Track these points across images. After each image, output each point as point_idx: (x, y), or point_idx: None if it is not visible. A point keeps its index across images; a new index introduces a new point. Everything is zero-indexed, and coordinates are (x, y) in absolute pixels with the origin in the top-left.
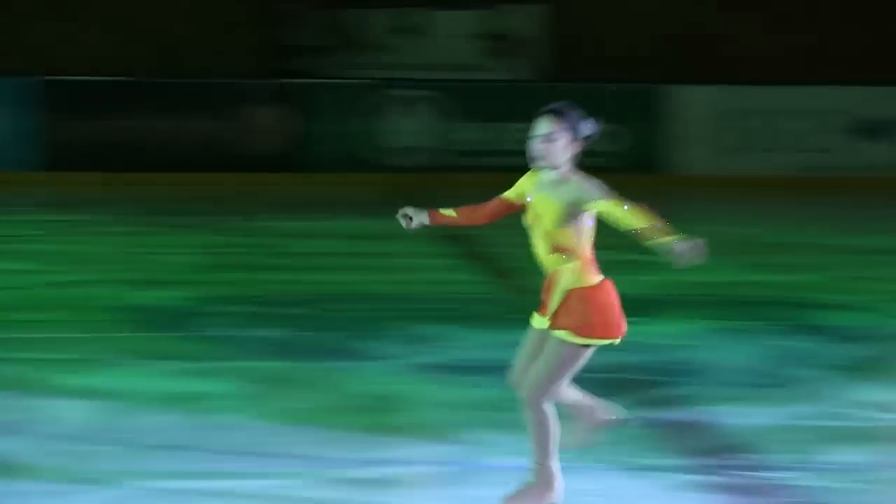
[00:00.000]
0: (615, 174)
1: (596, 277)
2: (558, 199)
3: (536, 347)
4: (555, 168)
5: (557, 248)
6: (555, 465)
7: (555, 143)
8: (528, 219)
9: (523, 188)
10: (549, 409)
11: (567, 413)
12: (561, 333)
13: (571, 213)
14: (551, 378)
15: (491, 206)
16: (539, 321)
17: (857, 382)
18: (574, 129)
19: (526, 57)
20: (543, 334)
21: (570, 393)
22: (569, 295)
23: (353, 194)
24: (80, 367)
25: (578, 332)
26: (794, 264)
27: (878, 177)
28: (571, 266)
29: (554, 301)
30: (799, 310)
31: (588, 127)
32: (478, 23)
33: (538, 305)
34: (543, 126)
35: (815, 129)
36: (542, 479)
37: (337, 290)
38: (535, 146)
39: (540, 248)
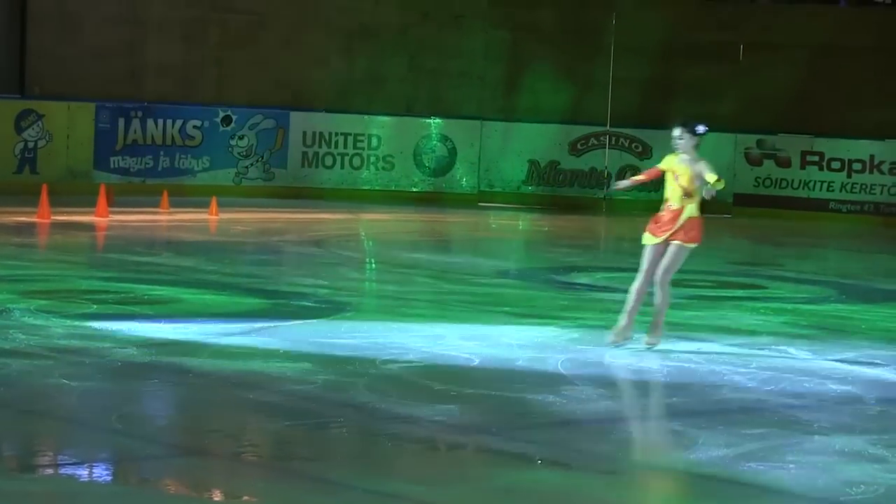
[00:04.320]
0: None
1: (698, 213)
2: (691, 169)
3: (657, 255)
4: (684, 152)
5: (687, 195)
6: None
7: (683, 140)
8: (671, 179)
9: (669, 163)
10: (670, 291)
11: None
12: (678, 242)
13: (696, 177)
14: (672, 268)
15: (655, 170)
16: (652, 239)
17: None
18: (693, 132)
19: None
20: (659, 247)
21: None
22: (688, 220)
23: None
24: None
25: (689, 240)
26: None
27: None
28: (692, 205)
29: (679, 223)
30: None
31: (701, 129)
32: None
33: (653, 231)
34: (676, 131)
35: None
36: (660, 324)
37: None
38: (674, 142)
39: (675, 195)
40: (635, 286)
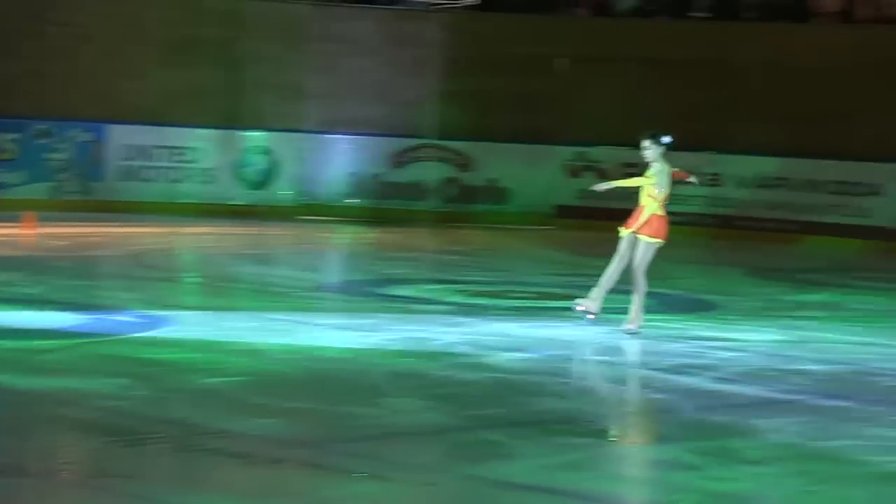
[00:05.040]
0: None
1: (661, 212)
2: (658, 174)
3: (629, 245)
4: (653, 161)
5: (648, 195)
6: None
7: (650, 150)
8: (643, 182)
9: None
10: (645, 281)
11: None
12: (647, 237)
13: (657, 182)
14: (642, 262)
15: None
16: (624, 232)
17: None
18: (658, 142)
19: None
20: (631, 238)
21: (613, 278)
22: (650, 217)
23: None
24: None
25: (654, 236)
26: None
27: None
28: (654, 204)
29: (642, 219)
30: None
31: (666, 140)
32: None
33: (624, 225)
34: (644, 143)
35: None
36: (638, 314)
37: None
38: (643, 152)
39: (642, 194)
40: (608, 268)
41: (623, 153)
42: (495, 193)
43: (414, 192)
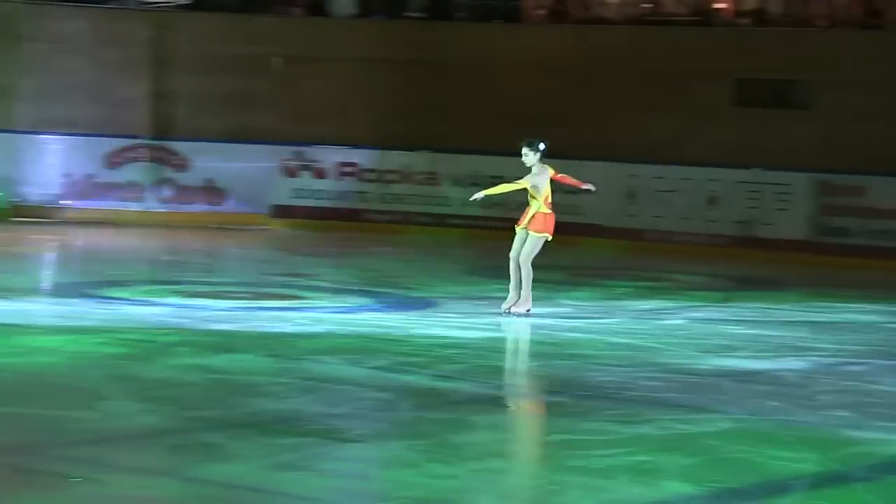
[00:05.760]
0: None
1: (546, 209)
2: (532, 177)
3: (521, 241)
4: (531, 165)
5: (531, 196)
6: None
7: (528, 156)
8: (516, 186)
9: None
10: (530, 269)
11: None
12: (533, 232)
13: (535, 183)
14: (530, 253)
15: (517, 185)
16: (519, 229)
17: None
18: (536, 149)
19: None
20: (523, 234)
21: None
22: (535, 215)
23: None
24: None
25: (539, 230)
26: None
27: None
28: (537, 203)
29: (528, 216)
30: None
31: (542, 146)
32: None
33: (516, 223)
34: (524, 149)
35: None
36: (527, 298)
37: None
38: (524, 158)
39: (529, 195)
40: (510, 266)
41: (340, 152)
42: (211, 193)
43: (129, 192)
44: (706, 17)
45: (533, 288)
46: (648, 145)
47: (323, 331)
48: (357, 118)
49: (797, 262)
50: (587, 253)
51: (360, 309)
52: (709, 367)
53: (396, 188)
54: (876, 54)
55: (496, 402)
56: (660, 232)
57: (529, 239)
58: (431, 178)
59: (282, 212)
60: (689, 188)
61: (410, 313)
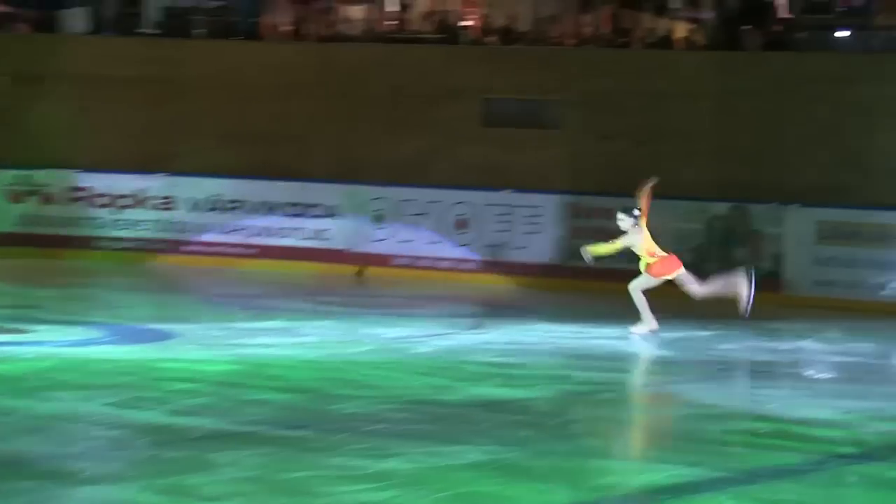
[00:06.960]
0: None
1: (652, 259)
2: (626, 238)
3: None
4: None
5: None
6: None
7: (622, 221)
8: (619, 246)
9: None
10: (641, 295)
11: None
12: (649, 275)
13: (629, 243)
14: (640, 285)
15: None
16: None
17: None
18: (630, 215)
19: None
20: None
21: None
22: (648, 265)
23: None
24: None
25: (656, 275)
26: None
27: None
28: (643, 261)
29: (642, 263)
30: None
31: (637, 213)
32: None
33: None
34: (619, 216)
35: None
36: (646, 320)
37: None
38: (618, 221)
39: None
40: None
41: (70, 176)
42: None
43: None
44: (453, 36)
45: (275, 318)
46: (395, 166)
47: (50, 366)
48: (88, 140)
49: (547, 288)
50: (331, 282)
51: (91, 342)
52: (458, 398)
53: (130, 213)
54: (624, 72)
55: (237, 438)
56: (407, 257)
57: (644, 275)
58: (167, 203)
59: (7, 240)
60: (437, 211)
61: (146, 345)
